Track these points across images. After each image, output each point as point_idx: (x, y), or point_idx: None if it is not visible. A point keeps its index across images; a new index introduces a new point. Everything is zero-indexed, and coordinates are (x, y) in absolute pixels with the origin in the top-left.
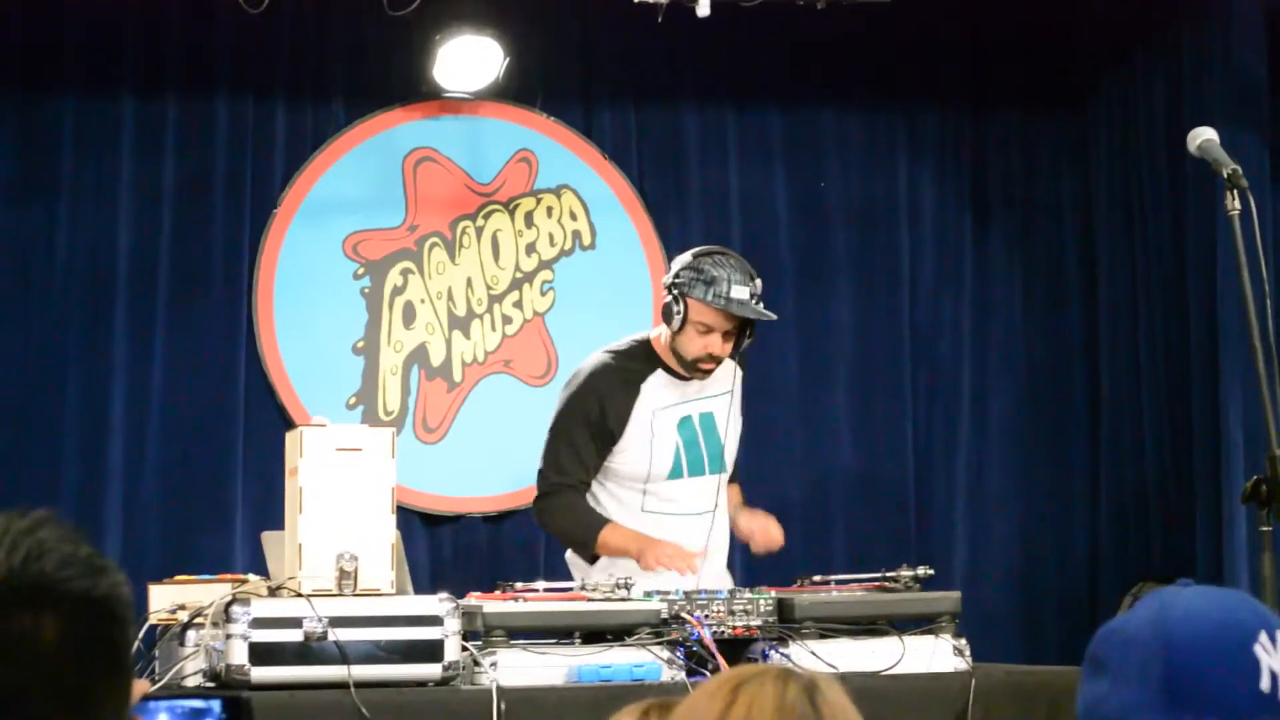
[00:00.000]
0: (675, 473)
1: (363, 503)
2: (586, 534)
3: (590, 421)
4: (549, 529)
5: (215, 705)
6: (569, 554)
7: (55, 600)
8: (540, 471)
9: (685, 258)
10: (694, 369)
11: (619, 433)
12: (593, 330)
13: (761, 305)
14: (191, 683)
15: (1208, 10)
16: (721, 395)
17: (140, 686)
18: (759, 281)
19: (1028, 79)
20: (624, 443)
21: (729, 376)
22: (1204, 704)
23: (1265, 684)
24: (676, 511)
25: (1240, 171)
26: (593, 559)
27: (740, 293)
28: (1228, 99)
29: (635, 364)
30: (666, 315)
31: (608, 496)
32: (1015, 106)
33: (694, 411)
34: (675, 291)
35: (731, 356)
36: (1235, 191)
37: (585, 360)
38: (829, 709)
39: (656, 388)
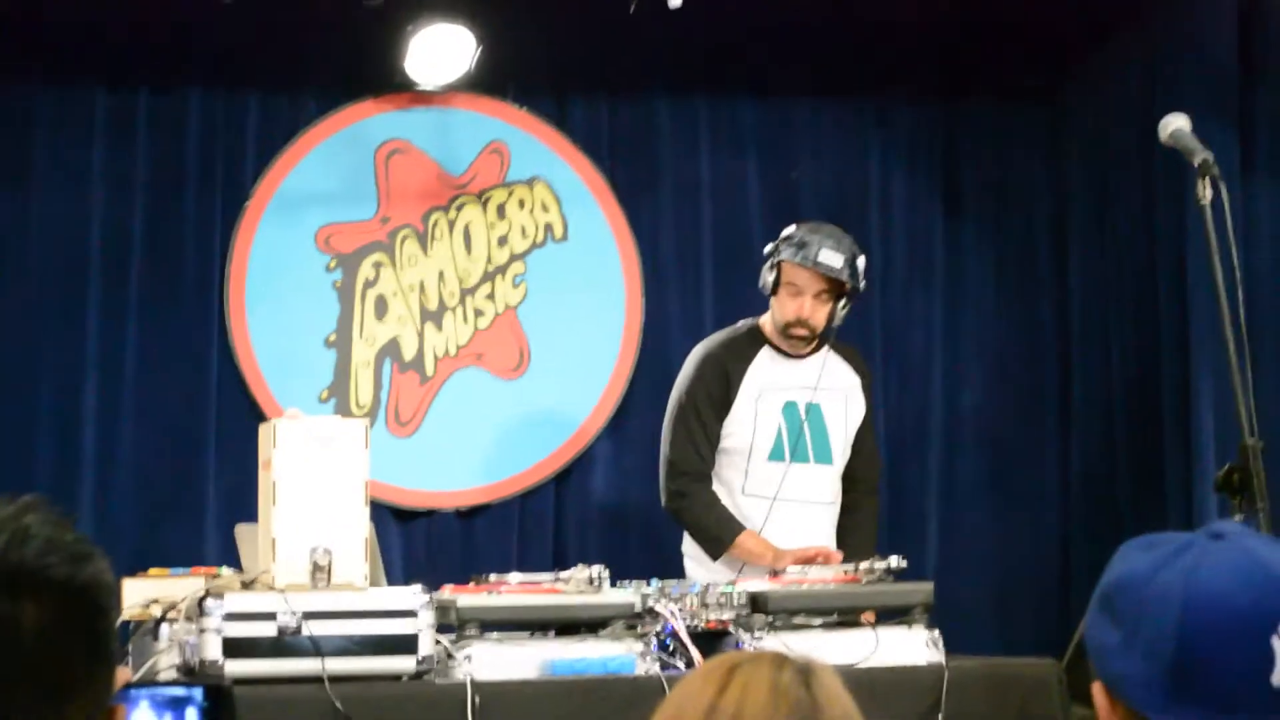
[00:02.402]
0: (777, 454)
1: (336, 495)
2: (724, 536)
3: (712, 397)
4: (683, 520)
5: (197, 693)
6: (687, 544)
7: (36, 587)
8: (670, 462)
9: (788, 228)
10: (787, 335)
11: (731, 403)
12: (565, 322)
13: (861, 280)
14: (165, 677)
15: (1179, 0)
16: (833, 390)
17: (122, 674)
18: (861, 258)
19: (1000, 69)
20: (733, 413)
21: (844, 376)
22: (1209, 695)
23: (1277, 679)
24: (777, 496)
25: (1212, 160)
26: (714, 557)
27: (830, 257)
28: (1199, 89)
29: (742, 339)
30: (762, 280)
31: (720, 480)
32: (987, 97)
33: (800, 399)
34: (770, 258)
35: (828, 329)
36: (1207, 180)
37: (696, 348)
38: (823, 693)
39: (764, 364)
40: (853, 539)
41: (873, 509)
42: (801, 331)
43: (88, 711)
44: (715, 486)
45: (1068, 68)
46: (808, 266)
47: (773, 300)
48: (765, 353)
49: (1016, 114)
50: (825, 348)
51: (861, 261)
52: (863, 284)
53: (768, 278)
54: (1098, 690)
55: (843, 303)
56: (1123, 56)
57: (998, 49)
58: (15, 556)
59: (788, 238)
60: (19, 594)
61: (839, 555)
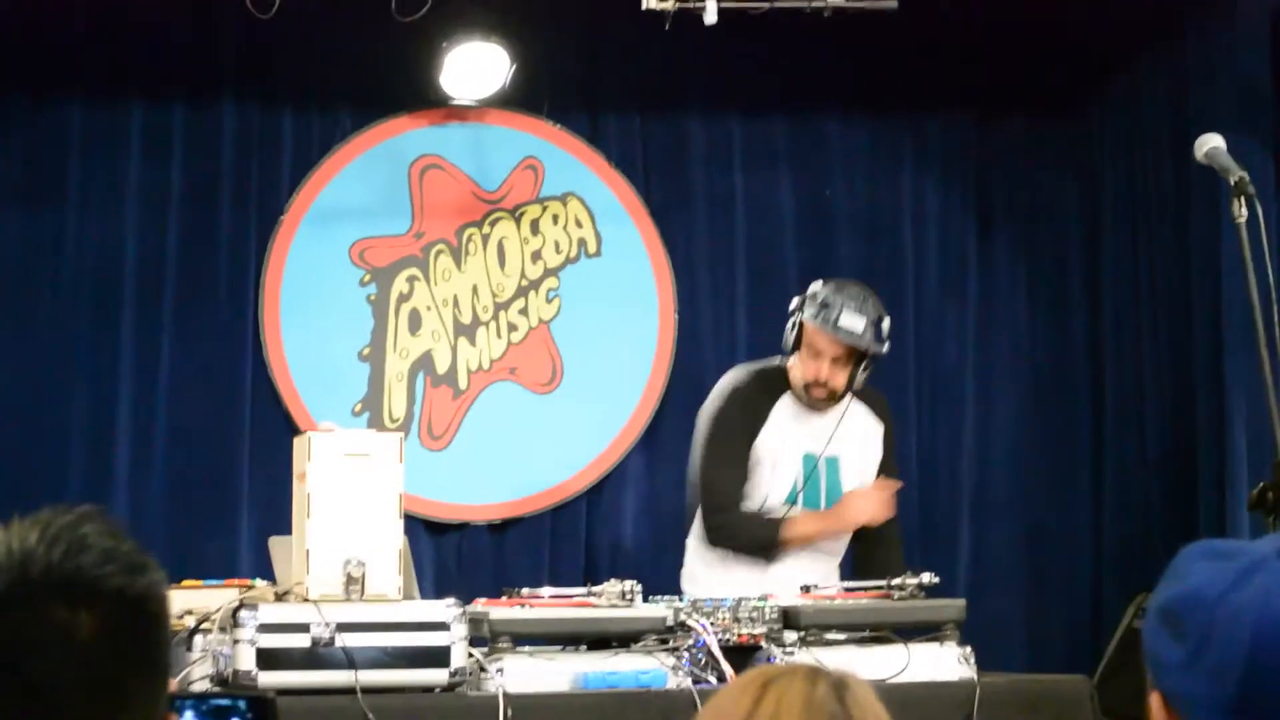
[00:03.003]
0: (791, 499)
1: (370, 508)
2: (773, 533)
3: (745, 428)
4: (734, 544)
5: (241, 704)
6: (687, 570)
7: (92, 596)
8: (708, 494)
9: (815, 284)
10: (805, 394)
11: (757, 435)
12: (598, 338)
13: (884, 344)
14: (198, 688)
15: (1212, 16)
16: (851, 441)
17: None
18: (886, 321)
19: (1032, 86)
20: (754, 450)
21: (864, 423)
22: None
23: None
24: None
25: (1247, 178)
26: (774, 560)
27: (851, 322)
28: (1232, 105)
29: (770, 382)
30: (785, 339)
31: None
32: (1019, 114)
33: (820, 451)
34: (793, 315)
35: (847, 390)
36: (1242, 198)
37: (724, 377)
38: (858, 708)
39: (785, 411)
40: (871, 572)
41: (897, 545)
42: (820, 393)
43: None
44: None
45: (1100, 85)
46: (828, 331)
47: (794, 357)
48: (787, 399)
49: (1049, 131)
50: (848, 397)
51: (886, 324)
52: (885, 347)
53: (789, 336)
54: (1155, 701)
55: (864, 365)
56: (1155, 75)
57: (1030, 67)
58: (73, 565)
59: (812, 296)
60: (76, 603)
61: (889, 487)
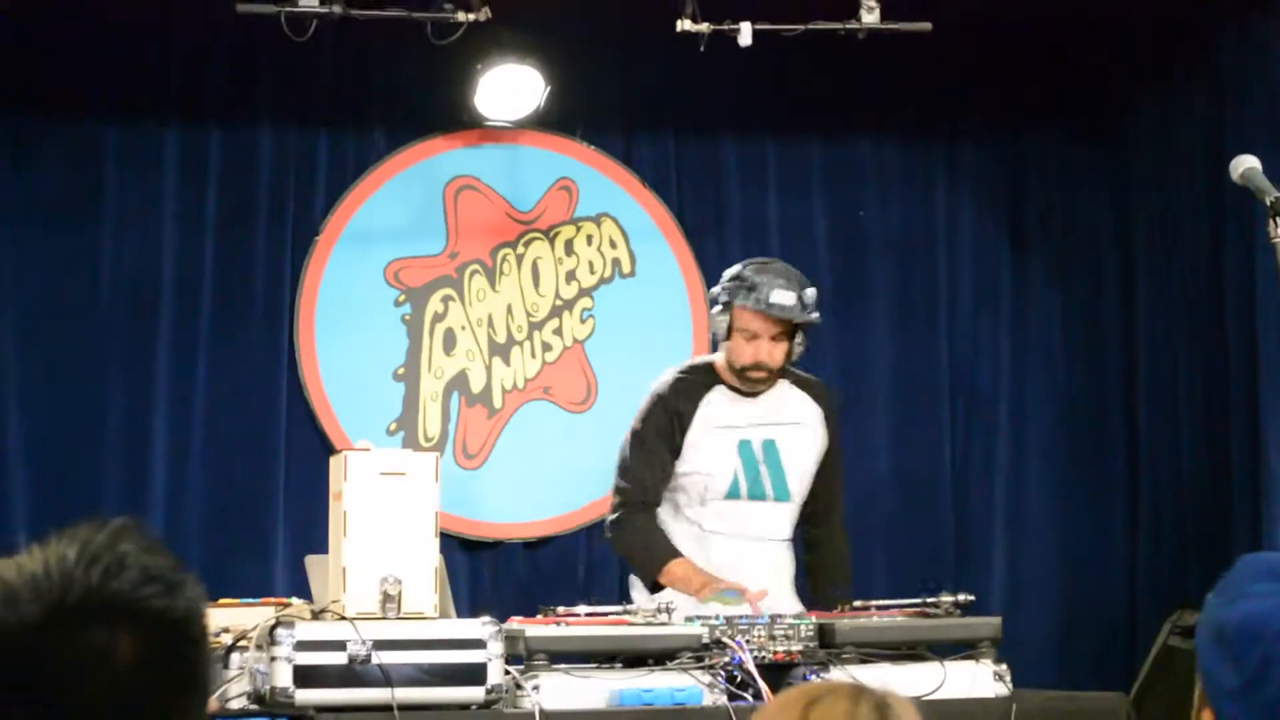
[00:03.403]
0: (733, 493)
1: (406, 527)
2: (655, 561)
3: (661, 431)
4: (618, 548)
5: None
6: (633, 575)
7: (132, 619)
8: (616, 488)
9: (732, 269)
10: (744, 378)
11: (682, 441)
12: (632, 357)
13: (814, 313)
14: (235, 705)
15: (1247, 35)
16: (788, 425)
17: (209, 706)
18: (811, 290)
19: (1065, 106)
20: (686, 452)
21: (801, 408)
22: None
23: None
24: (737, 534)
25: None
26: (654, 587)
27: (782, 297)
28: (1266, 126)
29: (697, 377)
30: (714, 326)
31: (673, 510)
32: (1053, 134)
33: (755, 437)
34: (720, 301)
35: (785, 367)
36: (1277, 219)
37: (653, 382)
38: None
39: (717, 403)
40: (830, 574)
41: (843, 541)
42: (760, 374)
43: None
44: (679, 524)
45: (1134, 105)
46: (761, 310)
47: (726, 344)
48: (718, 391)
49: (1083, 151)
50: (783, 382)
51: (811, 293)
52: (815, 315)
53: (719, 322)
54: (1208, 718)
55: (798, 339)
56: (1189, 94)
57: (1064, 86)
58: (112, 587)
59: (736, 279)
60: (116, 627)
61: (759, 595)
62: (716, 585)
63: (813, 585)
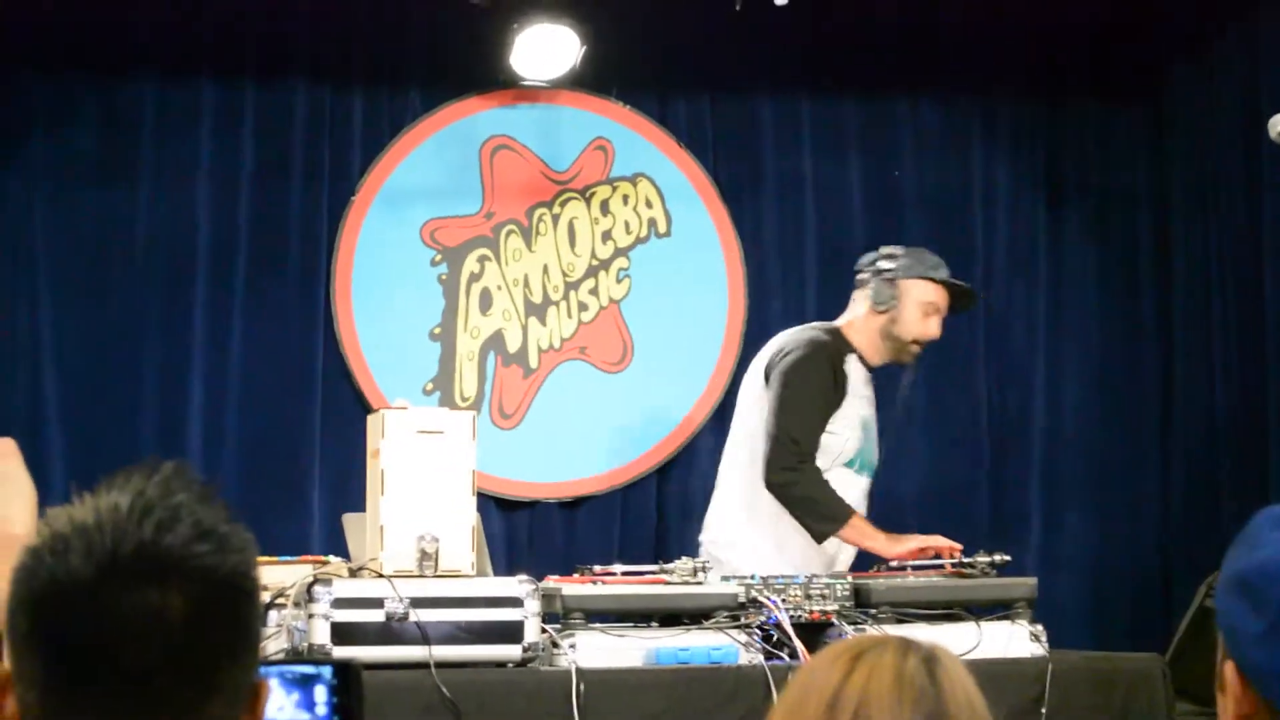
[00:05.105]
0: (851, 462)
1: (443, 485)
2: (839, 514)
3: (827, 387)
4: (793, 493)
5: (326, 671)
6: (724, 537)
7: (185, 577)
8: (790, 438)
9: (884, 250)
10: (907, 351)
11: (840, 400)
12: (668, 318)
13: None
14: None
15: None
16: (872, 402)
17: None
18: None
19: (1103, 67)
20: (839, 412)
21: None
22: None
23: None
24: (859, 505)
25: None
26: (821, 537)
27: (948, 273)
28: None
29: (839, 344)
30: (879, 299)
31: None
32: (1090, 94)
33: (869, 411)
34: (888, 275)
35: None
36: None
37: (787, 336)
38: (948, 681)
39: (856, 370)
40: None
41: None
42: (919, 350)
43: (233, 696)
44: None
45: (1171, 67)
46: (943, 281)
47: (887, 317)
48: (855, 360)
49: (1119, 113)
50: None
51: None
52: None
53: (886, 292)
54: (1230, 672)
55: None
56: (1227, 54)
57: (1102, 47)
58: (165, 542)
59: (906, 256)
60: (168, 585)
61: (952, 547)
62: (903, 546)
63: None
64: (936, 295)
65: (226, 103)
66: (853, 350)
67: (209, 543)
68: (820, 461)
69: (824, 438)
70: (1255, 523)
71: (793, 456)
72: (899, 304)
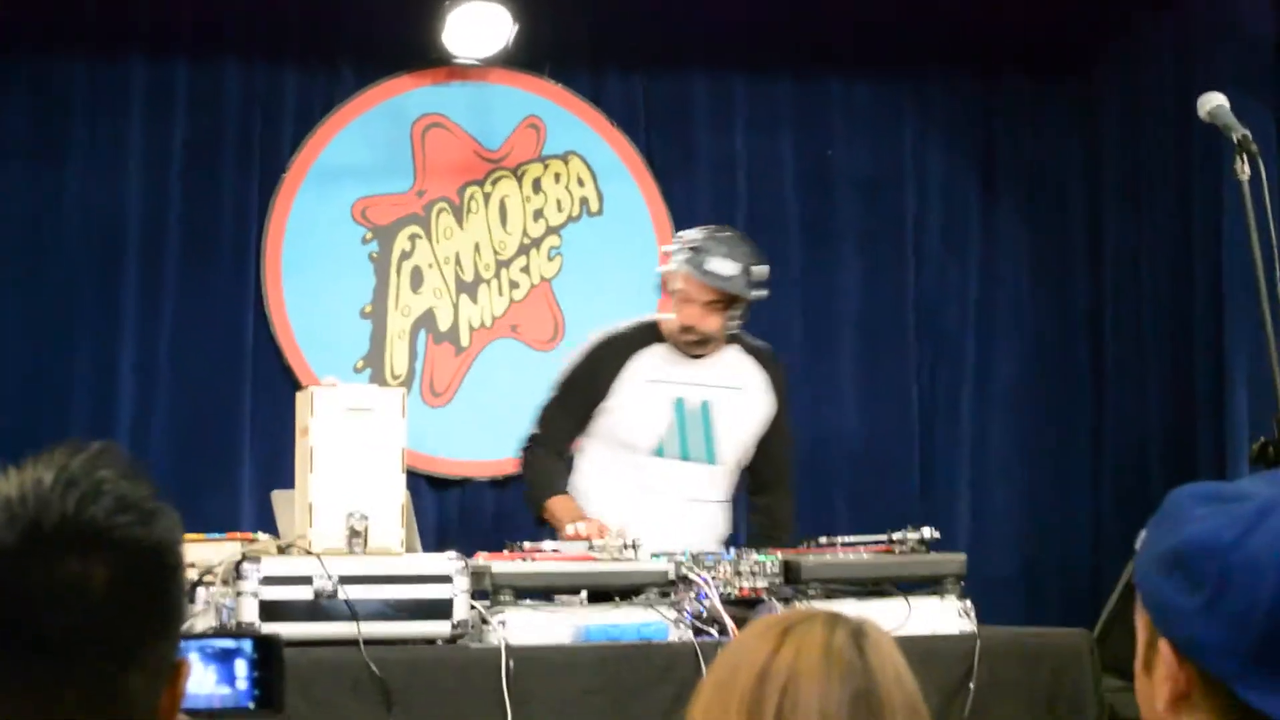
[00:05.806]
0: (661, 450)
1: (373, 463)
2: (539, 498)
3: (577, 382)
4: (523, 476)
5: (246, 645)
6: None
7: (107, 547)
8: (536, 423)
9: (689, 231)
10: (676, 339)
11: (604, 393)
12: (599, 296)
13: (760, 290)
14: None
15: None
16: (728, 389)
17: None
18: (761, 267)
19: (1035, 45)
20: (611, 403)
21: (745, 374)
22: None
23: None
24: (673, 492)
25: (1250, 136)
26: (538, 521)
27: (722, 266)
28: (1234, 66)
29: (633, 334)
30: (657, 283)
31: (609, 461)
32: (1023, 73)
33: (692, 396)
34: (667, 261)
35: (736, 333)
36: (1244, 156)
37: (593, 333)
38: (876, 655)
39: (652, 358)
40: (775, 540)
41: (789, 507)
42: (691, 337)
43: (154, 670)
44: (614, 476)
45: (1103, 45)
46: (696, 276)
47: (671, 305)
48: (659, 348)
49: (1052, 91)
50: (731, 347)
51: (760, 270)
52: (756, 294)
53: (662, 281)
54: (1165, 650)
55: (732, 311)
56: (1158, 33)
57: (1034, 26)
58: (87, 515)
59: (688, 241)
60: (90, 555)
61: (603, 528)
62: (573, 522)
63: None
64: (688, 284)
65: (158, 80)
66: (659, 340)
67: (132, 515)
68: (624, 455)
69: (608, 427)
70: (1174, 500)
71: (526, 440)
72: (669, 289)
